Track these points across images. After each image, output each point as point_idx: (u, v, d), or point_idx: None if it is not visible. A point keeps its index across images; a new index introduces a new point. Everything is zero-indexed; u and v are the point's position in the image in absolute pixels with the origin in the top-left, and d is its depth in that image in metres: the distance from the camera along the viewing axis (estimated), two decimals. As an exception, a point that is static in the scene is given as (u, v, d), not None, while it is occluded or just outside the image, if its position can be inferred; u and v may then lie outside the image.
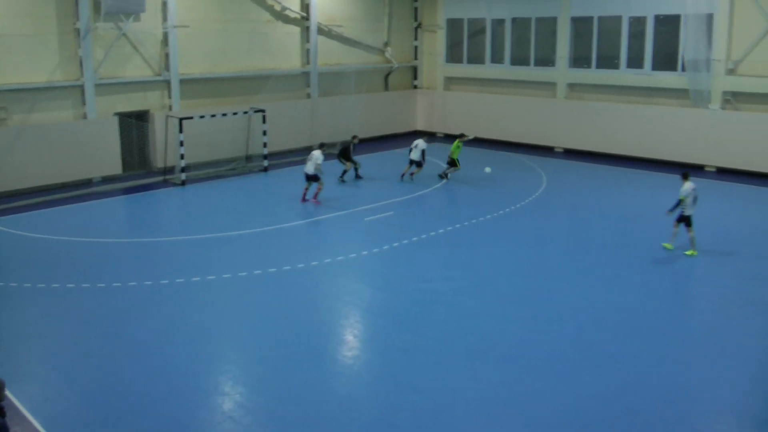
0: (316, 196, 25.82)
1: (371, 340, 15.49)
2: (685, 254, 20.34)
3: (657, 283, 18.67)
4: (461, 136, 30.11)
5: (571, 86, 36.24)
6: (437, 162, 31.24)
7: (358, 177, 29.86)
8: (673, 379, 13.39)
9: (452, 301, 17.14)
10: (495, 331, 15.44)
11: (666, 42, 33.03)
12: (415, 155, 29.12)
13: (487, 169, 29.44)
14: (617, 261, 19.99)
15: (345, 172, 29.59)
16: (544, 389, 12.97)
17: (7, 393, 11.86)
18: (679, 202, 20.13)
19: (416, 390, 12.91)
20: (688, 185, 20.21)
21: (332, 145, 33.92)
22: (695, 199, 20.27)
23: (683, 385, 13.23)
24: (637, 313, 16.45)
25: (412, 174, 29.41)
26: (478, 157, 33.34)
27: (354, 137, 30.26)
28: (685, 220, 20.28)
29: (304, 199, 25.87)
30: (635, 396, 12.73)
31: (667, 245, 20.76)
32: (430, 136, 39.34)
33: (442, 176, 29.76)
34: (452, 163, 29.57)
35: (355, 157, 29.92)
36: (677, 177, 21.54)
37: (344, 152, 29.73)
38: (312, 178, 25.59)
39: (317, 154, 25.53)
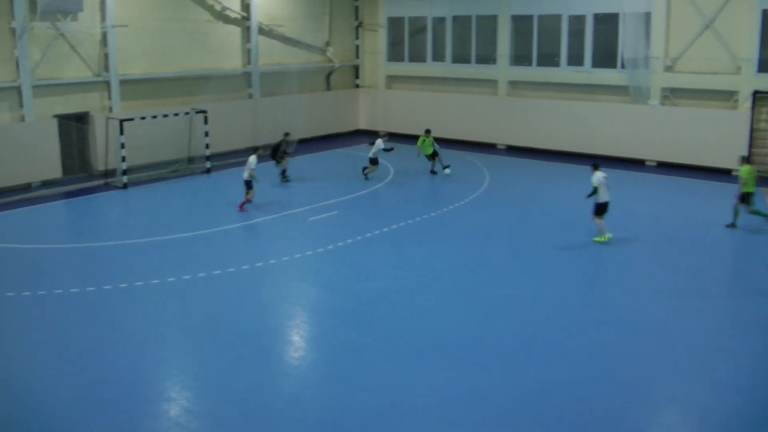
0: (242, 204, 24.96)
1: (318, 340, 15.47)
2: (594, 240, 21.12)
3: (599, 275, 19.05)
4: (427, 132, 30.36)
5: (513, 84, 36.56)
6: (388, 163, 31.30)
7: (284, 178, 29.65)
8: (619, 370, 13.62)
9: (398, 299, 17.18)
10: (442, 327, 15.52)
11: (605, 40, 33.51)
12: (371, 152, 29.16)
13: (446, 171, 29.79)
14: (559, 255, 20.26)
15: (284, 171, 29.47)
16: (493, 384, 13.07)
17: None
18: (595, 190, 20.82)
19: (364, 389, 12.92)
20: (598, 174, 20.96)
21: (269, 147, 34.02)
22: (608, 188, 20.93)
23: (629, 375, 13.44)
24: (581, 306, 16.72)
25: (366, 172, 29.44)
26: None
27: (286, 134, 30.09)
28: (600, 209, 21.00)
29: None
30: (581, 387, 12.90)
31: (598, 239, 21.21)
32: (372, 135, 39.54)
33: (445, 168, 30.40)
34: (433, 156, 30.10)
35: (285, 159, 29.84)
36: (616, 172, 21.93)
37: (275, 151, 29.64)
38: (246, 184, 24.91)
39: (251, 159, 24.86)
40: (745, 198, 22.17)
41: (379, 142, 29.22)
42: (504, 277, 18.73)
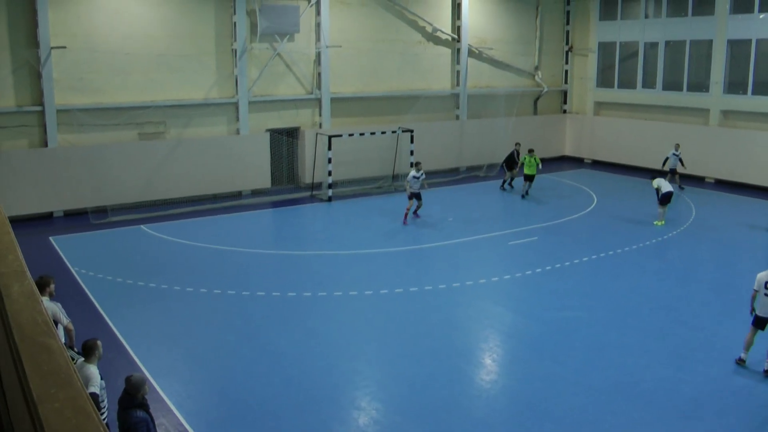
0: (416, 211, 26.58)
1: (509, 365, 15.37)
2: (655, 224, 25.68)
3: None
4: (530, 152, 30.70)
5: (725, 113, 34.85)
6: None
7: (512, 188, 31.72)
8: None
9: (593, 331, 16.73)
10: (636, 365, 14.93)
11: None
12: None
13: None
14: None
15: (512, 179, 31.38)
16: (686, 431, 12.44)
17: (155, 386, 12.40)
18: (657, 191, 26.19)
19: (552, 419, 12.70)
20: (658, 180, 26.18)
21: (478, 168, 34.39)
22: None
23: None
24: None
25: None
26: (623, 185, 32.65)
27: (517, 144, 32.54)
28: (665, 199, 25.80)
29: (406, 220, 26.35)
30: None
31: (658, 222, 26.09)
32: (577, 161, 38.96)
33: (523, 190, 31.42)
34: (530, 178, 30.95)
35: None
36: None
37: (510, 161, 31.94)
38: (418, 197, 26.21)
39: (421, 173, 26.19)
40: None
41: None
42: (705, 318, 17.71)
